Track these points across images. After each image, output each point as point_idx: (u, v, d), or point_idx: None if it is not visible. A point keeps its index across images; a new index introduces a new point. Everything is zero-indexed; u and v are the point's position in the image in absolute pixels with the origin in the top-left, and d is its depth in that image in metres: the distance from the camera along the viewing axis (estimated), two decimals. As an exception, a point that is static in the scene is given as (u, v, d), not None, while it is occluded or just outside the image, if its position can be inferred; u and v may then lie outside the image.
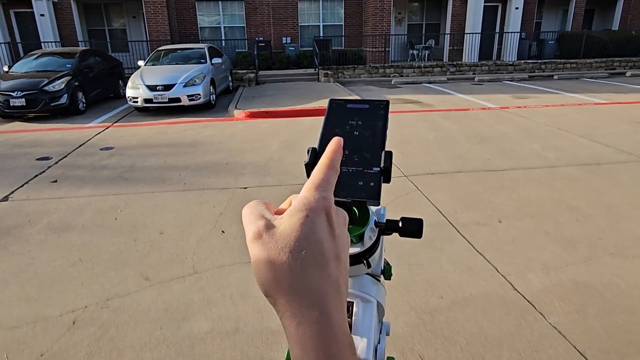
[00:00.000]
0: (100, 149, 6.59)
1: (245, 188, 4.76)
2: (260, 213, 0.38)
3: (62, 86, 9.36)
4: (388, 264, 0.58)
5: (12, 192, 4.82)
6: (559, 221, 3.81)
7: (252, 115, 8.84)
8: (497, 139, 6.56)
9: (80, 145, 6.85)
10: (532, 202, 4.21)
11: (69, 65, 10.11)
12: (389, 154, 0.50)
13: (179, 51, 11.20)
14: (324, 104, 9.56)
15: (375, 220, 0.52)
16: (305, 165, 0.50)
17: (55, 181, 5.18)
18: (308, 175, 0.50)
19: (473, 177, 4.94)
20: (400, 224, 0.53)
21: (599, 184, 4.63)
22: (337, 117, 0.55)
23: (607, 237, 3.51)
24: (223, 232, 3.76)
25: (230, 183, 4.92)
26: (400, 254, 3.27)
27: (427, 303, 2.75)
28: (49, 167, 5.76)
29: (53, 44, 14.62)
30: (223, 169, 5.45)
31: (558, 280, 2.96)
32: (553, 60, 16.32)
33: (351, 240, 0.50)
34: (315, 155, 0.51)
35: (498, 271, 3.08)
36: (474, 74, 15.47)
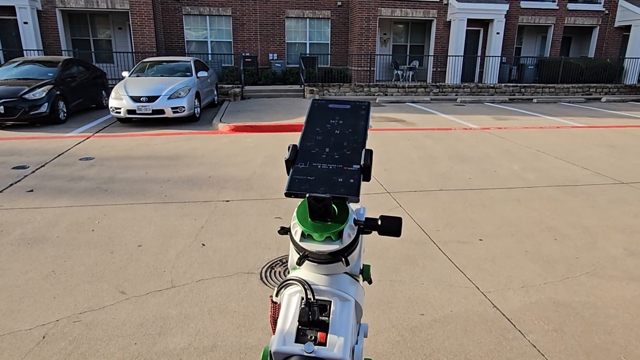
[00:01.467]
0: (80, 159, 6.46)
1: (227, 201, 4.72)
2: None
3: (43, 95, 9.20)
4: (366, 265, 0.59)
5: (-15, 201, 4.67)
6: (538, 240, 3.87)
7: (237, 129, 8.82)
8: (479, 159, 6.68)
9: (59, 155, 6.71)
10: (512, 221, 4.28)
11: (51, 74, 9.97)
12: (369, 152, 0.51)
13: (164, 63, 11.17)
14: (308, 120, 9.61)
15: (354, 218, 0.52)
16: (286, 161, 0.51)
17: (31, 191, 5.05)
18: (288, 171, 0.52)
19: (455, 195, 4.99)
20: (379, 222, 0.53)
21: (576, 205, 4.73)
22: (319, 116, 0.56)
23: (584, 257, 3.58)
24: (203, 245, 3.69)
25: (213, 196, 4.87)
26: (382, 270, 3.26)
27: (408, 320, 2.73)
28: (25, 176, 5.61)
29: (36, 52, 14.43)
30: (205, 182, 5.39)
31: (537, 299, 2.98)
32: (532, 84, 16.81)
33: (329, 238, 0.50)
34: (295, 152, 0.51)
35: (479, 289, 3.09)
36: (456, 95, 15.81)
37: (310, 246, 0.49)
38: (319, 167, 0.50)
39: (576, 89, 16.87)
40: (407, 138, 8.20)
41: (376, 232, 0.59)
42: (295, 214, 0.51)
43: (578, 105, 14.65)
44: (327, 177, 0.49)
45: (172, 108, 9.34)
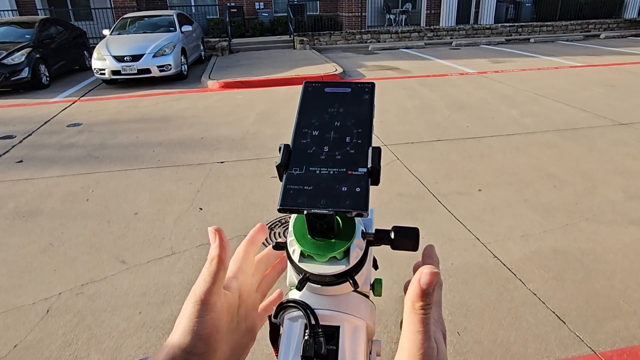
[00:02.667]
0: (67, 126, 6.29)
1: (222, 162, 4.63)
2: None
3: (23, 59, 8.81)
4: (377, 278, 0.51)
5: (-25, 175, 4.57)
6: (537, 188, 3.85)
7: (227, 86, 8.57)
8: (476, 105, 6.54)
9: (46, 122, 6.52)
10: (511, 170, 4.23)
11: (29, 36, 9.50)
12: (378, 151, 0.42)
13: (146, 19, 10.66)
14: (300, 72, 9.33)
15: (362, 230, 0.44)
16: (277, 166, 0.42)
17: (21, 161, 4.93)
18: (280, 178, 0.42)
19: (452, 145, 4.92)
20: (392, 235, 0.45)
21: (575, 150, 4.68)
22: (314, 105, 0.46)
23: (583, 203, 3.57)
24: (201, 209, 3.66)
25: (206, 158, 4.78)
26: (382, 226, 3.25)
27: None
28: (13, 146, 5.47)
29: (10, 12, 13.71)
30: (198, 143, 5.28)
31: (537, 248, 2.99)
32: (530, 23, 16.25)
33: (335, 258, 0.42)
34: (288, 153, 0.42)
35: (479, 240, 3.09)
36: (451, 38, 15.30)
37: (312, 267, 0.42)
38: (318, 172, 0.41)
39: (574, 26, 16.34)
40: (402, 87, 7.99)
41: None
42: (291, 228, 0.43)
43: (577, 43, 14.25)
44: (329, 185, 0.40)
45: (159, 67, 9.00)
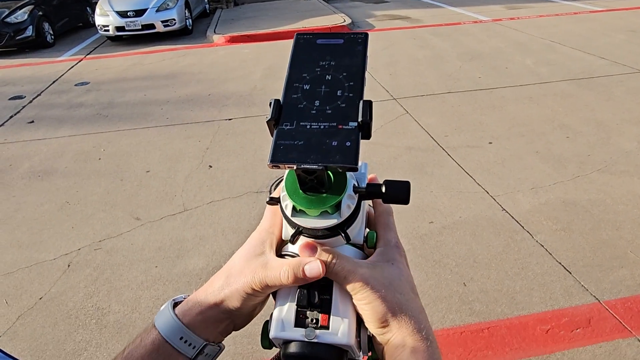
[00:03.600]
0: (75, 85, 6.27)
1: (230, 119, 4.62)
2: (350, 261, 0.44)
3: (26, 17, 8.67)
4: (371, 231, 0.50)
5: (-12, 136, 4.64)
6: (549, 140, 3.78)
7: (233, 40, 8.37)
8: (489, 55, 6.33)
9: (54, 82, 6.51)
10: (523, 121, 4.15)
11: (29, -7, 9.29)
12: (368, 105, 0.41)
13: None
14: (307, 24, 9.05)
15: (354, 184, 0.44)
16: (267, 122, 0.42)
17: (32, 122, 4.98)
18: (271, 133, 0.42)
19: (464, 97, 4.81)
20: (383, 189, 0.45)
21: (591, 99, 4.55)
22: (305, 57, 0.45)
23: (596, 154, 3.51)
24: (210, 166, 3.69)
25: (214, 115, 4.76)
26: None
27: (417, 229, 2.79)
28: (24, 107, 5.50)
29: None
30: (206, 100, 5.24)
31: (546, 199, 2.99)
32: (549, -36, 15.31)
33: (326, 212, 0.42)
34: (279, 108, 0.42)
35: (488, 193, 3.10)
36: (465, -17, 14.54)
37: (304, 222, 0.42)
38: (309, 127, 0.41)
39: (597, -34, 15.36)
40: (412, 37, 7.72)
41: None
42: (283, 184, 0.44)
43: (598, -15, 13.45)
44: (319, 140, 0.40)
45: (162, 22, 8.79)
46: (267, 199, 0.46)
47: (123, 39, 9.22)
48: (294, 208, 0.43)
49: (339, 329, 0.43)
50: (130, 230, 2.94)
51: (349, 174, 0.43)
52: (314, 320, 0.44)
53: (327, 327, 0.43)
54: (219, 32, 8.83)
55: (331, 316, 0.44)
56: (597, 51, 6.11)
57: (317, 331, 0.43)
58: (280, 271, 0.43)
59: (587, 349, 1.97)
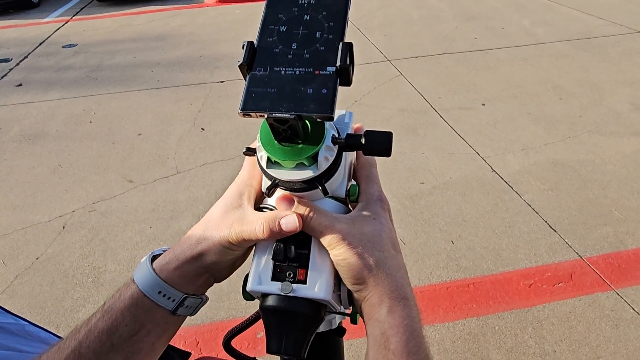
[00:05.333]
0: (63, 47, 6.12)
1: (222, 82, 4.56)
2: (328, 216, 0.43)
3: (7, -25, 8.34)
4: (353, 184, 0.48)
5: (-24, 99, 4.56)
6: (542, 101, 3.78)
7: (224, 1, 8.12)
8: (486, 15, 6.19)
9: (41, 44, 6.34)
10: (517, 83, 4.13)
11: (10, -51, 8.88)
12: (348, 47, 0.37)
13: None
14: (301, -17, 8.75)
15: (333, 135, 0.41)
16: (239, 67, 0.39)
17: (20, 85, 4.89)
18: (244, 77, 0.39)
19: (458, 58, 4.75)
20: (363, 140, 0.42)
21: (586, 60, 4.51)
22: None
23: (587, 115, 3.52)
24: (203, 129, 3.68)
25: (206, 77, 4.69)
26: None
27: (408, 189, 2.82)
28: (10, 69, 5.38)
29: None
30: (197, 62, 5.15)
31: (536, 160, 3.02)
32: None
33: (303, 164, 0.40)
34: (252, 52, 0.39)
35: (479, 154, 3.12)
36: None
37: (280, 174, 0.41)
38: (283, 73, 0.38)
39: None
40: (409, -3, 7.52)
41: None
42: (258, 134, 0.41)
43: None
44: (293, 87, 0.37)
45: (150, -20, 8.48)
46: (244, 150, 0.45)
47: (111, 0, 8.92)
48: (269, 159, 0.41)
49: (316, 284, 0.42)
50: (123, 192, 2.96)
51: (328, 124, 0.41)
52: (291, 275, 0.43)
53: (304, 282, 0.42)
54: (210, -8, 8.53)
55: (309, 271, 0.43)
56: (595, 11, 6.00)
57: (294, 285, 0.42)
58: (256, 225, 0.42)
59: (567, 301, 2.05)
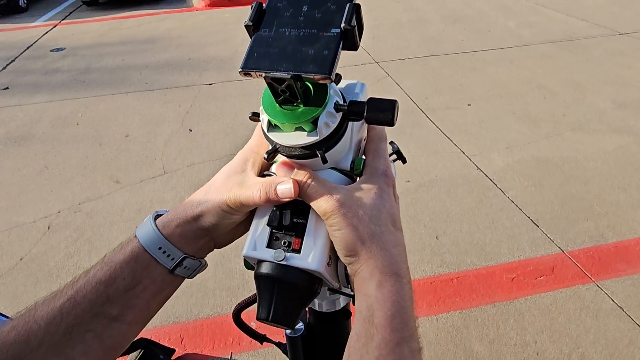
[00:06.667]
0: (51, 51, 6.09)
1: (210, 84, 4.57)
2: (327, 185, 0.41)
3: (-5, -21, 8.30)
4: (358, 159, 0.46)
5: (-38, 103, 4.53)
6: (527, 100, 3.83)
7: (213, 4, 8.14)
8: (472, 17, 6.28)
9: (28, 48, 6.31)
10: (502, 83, 4.19)
11: (-3, -46, 8.84)
12: (354, 8, 0.36)
13: None
14: (290, -13, 8.80)
15: (336, 101, 0.40)
16: (246, 26, 0.38)
17: (7, 88, 4.86)
18: (250, 36, 0.38)
19: (445, 60, 4.81)
20: (366, 107, 0.40)
21: (570, 61, 4.58)
22: None
23: (571, 113, 3.58)
24: (190, 130, 3.68)
25: (195, 80, 4.70)
26: (369, 141, 3.29)
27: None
28: (-3, 73, 5.35)
29: None
30: (186, 65, 5.16)
31: (520, 158, 3.06)
32: None
33: (303, 129, 0.40)
34: (260, 13, 0.38)
35: (464, 153, 3.16)
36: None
37: (279, 137, 0.40)
38: (288, 33, 0.37)
39: None
40: (397, 0, 7.60)
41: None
42: (262, 97, 0.41)
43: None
44: (296, 48, 0.36)
45: (140, -16, 8.49)
46: (249, 114, 0.45)
47: (99, 4, 8.90)
48: (270, 123, 0.41)
49: (309, 254, 0.41)
50: (110, 193, 2.95)
51: (332, 90, 0.40)
52: (286, 243, 0.42)
53: (298, 251, 0.42)
54: (199, -4, 8.55)
55: (304, 241, 0.42)
56: (579, 13, 6.10)
57: (287, 254, 0.42)
58: (254, 190, 0.42)
59: (548, 294, 2.08)
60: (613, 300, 2.01)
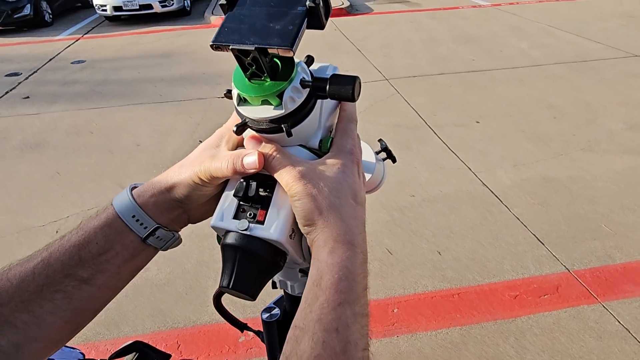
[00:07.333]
0: (71, 63, 6.29)
1: (222, 97, 4.64)
2: (291, 158, 0.43)
3: (23, -5, 8.66)
4: (326, 138, 0.47)
5: (-17, 110, 4.69)
6: (536, 119, 3.81)
7: (230, 22, 8.35)
8: (484, 38, 6.31)
9: (50, 60, 6.53)
10: (512, 102, 4.18)
11: (27, -29, 9.25)
12: None
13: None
14: (306, 6, 9.00)
15: (303, 78, 0.41)
16: (220, 4, 0.40)
17: (27, 97, 5.02)
18: (225, 14, 0.40)
19: (455, 78, 4.83)
20: (328, 82, 0.42)
21: (581, 82, 4.56)
22: None
23: (581, 134, 3.55)
24: (200, 141, 3.71)
25: (207, 93, 4.79)
26: (376, 156, 3.30)
27: (398, 201, 2.84)
28: (19, 83, 5.54)
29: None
30: (199, 78, 5.27)
31: (527, 176, 3.04)
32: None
33: (270, 103, 0.41)
34: None
35: (470, 169, 3.14)
36: (468, -31, 14.41)
37: (247, 110, 0.42)
38: (258, 11, 0.39)
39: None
40: (410, 20, 7.69)
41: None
42: (233, 73, 0.43)
43: (602, -28, 13.29)
44: (264, 23, 0.38)
45: (160, 2, 8.76)
46: (224, 91, 0.47)
47: (121, 19, 9.20)
48: (240, 97, 0.43)
49: (272, 225, 0.43)
50: (117, 199, 3.00)
51: (300, 67, 0.42)
52: (252, 215, 0.43)
53: (262, 223, 0.43)
54: (217, 13, 8.80)
55: (268, 212, 0.43)
56: (593, 36, 6.09)
57: (251, 224, 0.43)
58: (223, 162, 0.43)
59: (552, 313, 2.03)
60: (619, 322, 1.96)
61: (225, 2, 0.40)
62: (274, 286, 0.49)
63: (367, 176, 0.61)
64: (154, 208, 0.46)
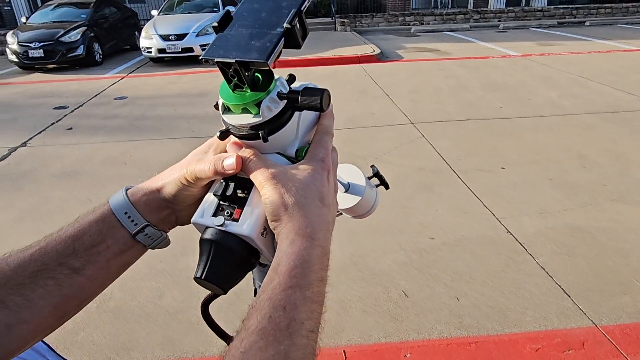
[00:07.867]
0: (114, 99, 6.69)
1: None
2: (266, 162, 0.47)
3: (78, 37, 9.39)
4: (302, 147, 0.51)
5: (30, 139, 5.01)
6: (565, 168, 3.74)
7: (265, 65, 8.73)
8: (513, 87, 6.33)
9: (96, 95, 6.97)
10: (539, 149, 4.12)
11: (84, 16, 10.09)
12: (298, 13, 0.43)
13: (192, 0, 10.98)
14: (337, 53, 9.33)
15: (280, 90, 0.46)
16: (213, 27, 0.46)
17: (71, 128, 5.33)
18: (216, 34, 0.46)
19: (482, 124, 4.83)
20: (300, 94, 0.46)
21: (613, 132, 4.47)
22: None
23: (612, 184, 3.44)
24: (226, 176, 3.83)
25: (237, 130, 4.96)
26: (397, 197, 3.29)
27: (417, 243, 2.80)
28: (65, 115, 5.91)
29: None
30: (231, 117, 5.47)
31: (553, 224, 2.94)
32: (586, 5, 15.28)
33: (249, 112, 0.46)
34: (226, 18, 0.46)
35: (494, 215, 3.08)
36: (499, 21, 14.70)
37: (230, 118, 0.48)
38: (244, 32, 0.45)
39: (637, 7, 15.20)
40: (439, 68, 7.83)
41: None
42: (220, 85, 0.48)
43: (638, 27, 13.28)
44: (247, 41, 0.44)
45: (201, 45, 9.29)
46: (214, 104, 0.52)
47: (164, 61, 9.78)
48: (224, 106, 0.48)
49: (245, 222, 0.46)
50: (142, 227, 3.09)
51: (278, 82, 0.46)
52: (229, 213, 0.47)
53: (237, 220, 0.47)
54: (253, 57, 9.22)
55: (243, 211, 0.47)
56: (626, 87, 6.01)
57: (227, 221, 0.47)
58: (206, 163, 0.48)
59: (577, 370, 1.91)
60: (650, 385, 1.81)
61: (217, 25, 0.46)
62: (256, 293, 0.51)
63: (356, 199, 0.63)
64: (145, 206, 0.51)
